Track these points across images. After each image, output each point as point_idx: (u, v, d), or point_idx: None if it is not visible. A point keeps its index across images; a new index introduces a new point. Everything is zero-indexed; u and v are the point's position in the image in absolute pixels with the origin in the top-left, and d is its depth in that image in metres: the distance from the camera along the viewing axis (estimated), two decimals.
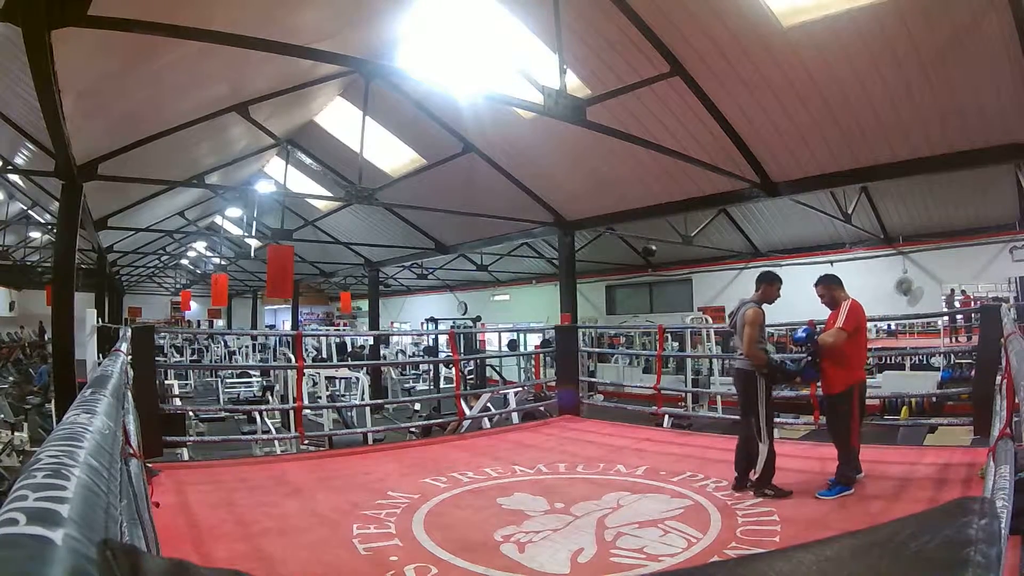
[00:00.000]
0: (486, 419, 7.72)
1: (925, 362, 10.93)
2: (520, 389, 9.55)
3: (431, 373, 15.13)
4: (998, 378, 3.85)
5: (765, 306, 4.27)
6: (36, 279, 19.89)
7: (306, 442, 6.65)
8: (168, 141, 7.50)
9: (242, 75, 7.12)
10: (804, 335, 4.21)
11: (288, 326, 27.59)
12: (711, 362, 11.93)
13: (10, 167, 8.90)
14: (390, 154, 10.26)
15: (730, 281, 14.90)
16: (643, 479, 4.51)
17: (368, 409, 9.36)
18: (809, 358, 4.19)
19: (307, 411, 7.91)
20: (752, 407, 4.14)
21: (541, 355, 13.66)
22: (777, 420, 5.31)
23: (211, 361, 19.42)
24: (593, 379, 12.64)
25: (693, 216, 11.46)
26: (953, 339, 11.14)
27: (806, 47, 5.74)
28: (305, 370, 7.89)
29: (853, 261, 12.57)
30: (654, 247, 13.84)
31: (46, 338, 17.01)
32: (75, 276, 6.55)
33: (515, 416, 7.92)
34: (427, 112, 8.80)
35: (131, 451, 2.67)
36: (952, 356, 10.33)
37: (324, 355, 16.60)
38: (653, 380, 7.37)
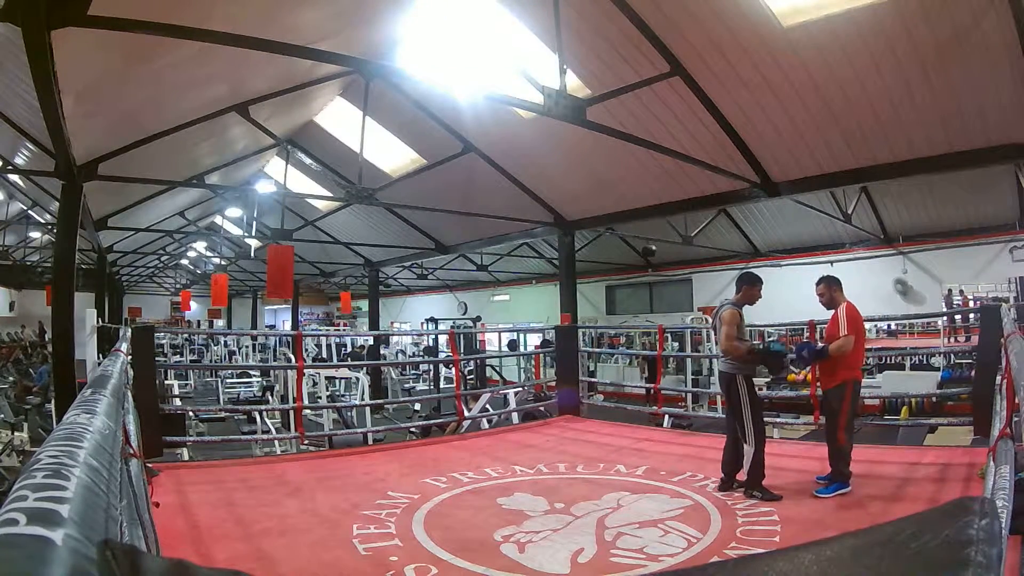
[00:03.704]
0: (485, 420, 7.71)
1: (925, 362, 10.93)
2: (520, 389, 9.54)
3: (431, 373, 15.12)
4: (998, 378, 3.86)
5: (747, 308, 4.31)
6: (36, 279, 19.90)
7: (306, 442, 6.65)
8: (168, 141, 7.50)
9: (242, 75, 7.12)
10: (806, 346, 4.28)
11: (288, 326, 27.59)
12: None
13: (10, 167, 8.90)
14: (390, 154, 10.26)
15: (730, 281, 14.84)
16: (643, 479, 4.51)
17: (368, 409, 9.35)
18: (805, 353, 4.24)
19: (307, 411, 7.91)
20: (736, 409, 4.15)
21: (541, 355, 13.66)
22: (777, 420, 5.31)
23: (211, 361, 19.41)
24: (593, 379, 12.63)
25: (693, 216, 11.47)
26: (953, 339, 11.14)
27: (806, 47, 5.75)
28: (305, 370, 7.89)
29: (853, 261, 12.57)
30: (654, 247, 13.84)
31: (46, 338, 17.01)
32: (75, 276, 6.55)
33: (515, 416, 7.92)
34: (427, 112, 8.80)
35: (131, 451, 2.67)
36: (952, 356, 10.33)
37: (324, 355, 16.59)
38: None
